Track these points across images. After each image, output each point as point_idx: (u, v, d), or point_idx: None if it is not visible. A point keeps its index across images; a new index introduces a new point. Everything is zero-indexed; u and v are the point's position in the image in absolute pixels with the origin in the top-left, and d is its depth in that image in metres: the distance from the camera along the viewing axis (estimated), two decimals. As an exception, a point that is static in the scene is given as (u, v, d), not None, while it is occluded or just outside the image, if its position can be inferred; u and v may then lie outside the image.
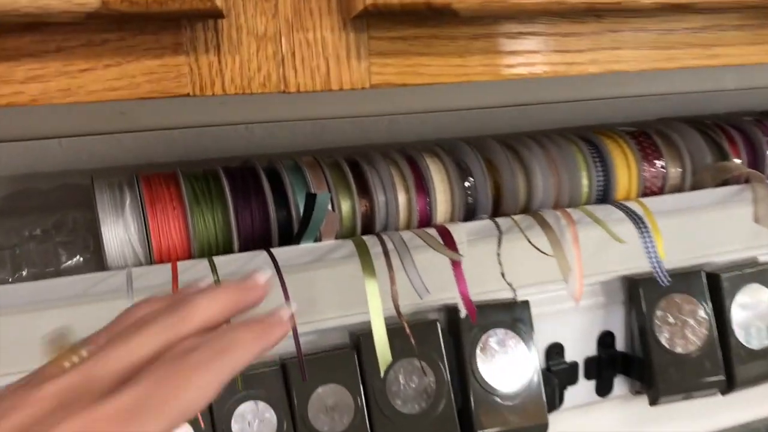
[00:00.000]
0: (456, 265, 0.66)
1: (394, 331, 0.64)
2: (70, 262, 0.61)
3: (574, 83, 0.87)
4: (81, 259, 0.61)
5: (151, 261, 0.63)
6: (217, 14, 0.35)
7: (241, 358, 0.31)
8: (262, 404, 0.73)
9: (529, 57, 0.44)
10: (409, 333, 0.67)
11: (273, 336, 0.32)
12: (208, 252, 0.65)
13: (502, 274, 0.72)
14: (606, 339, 0.94)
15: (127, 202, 0.63)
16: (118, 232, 0.62)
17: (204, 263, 0.63)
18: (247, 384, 0.73)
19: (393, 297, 0.65)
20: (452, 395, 0.79)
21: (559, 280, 0.89)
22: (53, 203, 0.68)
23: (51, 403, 0.28)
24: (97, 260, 0.64)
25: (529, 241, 0.71)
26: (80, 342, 0.32)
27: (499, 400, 0.81)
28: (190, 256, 0.64)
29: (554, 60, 0.45)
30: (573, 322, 0.92)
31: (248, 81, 0.38)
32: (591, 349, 0.94)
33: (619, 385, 0.96)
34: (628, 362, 0.94)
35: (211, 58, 0.37)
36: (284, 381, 0.75)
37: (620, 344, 0.95)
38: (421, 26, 0.41)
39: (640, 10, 0.44)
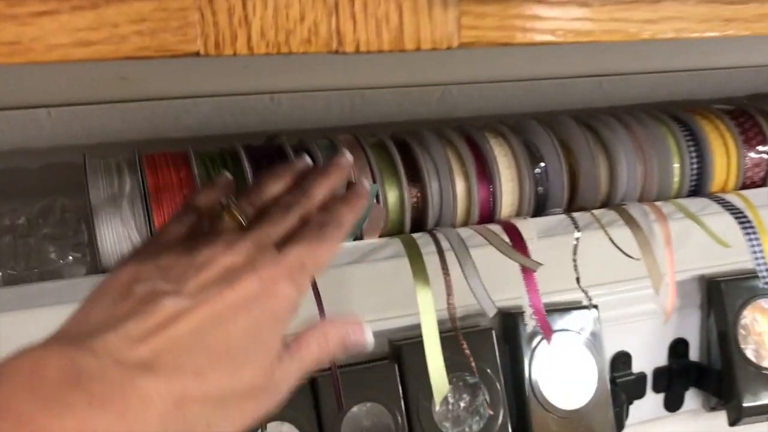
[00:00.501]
0: (528, 273, 0.54)
1: (444, 339, 0.53)
2: (62, 261, 0.49)
3: (656, 51, 0.73)
4: (71, 259, 0.49)
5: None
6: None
7: (347, 227, 0.39)
8: (287, 426, 0.62)
9: (672, 7, 0.31)
10: (468, 352, 0.56)
11: (361, 205, 0.41)
12: (225, 250, 0.53)
13: (577, 280, 0.60)
14: (678, 347, 0.82)
15: (127, 189, 0.51)
16: (116, 226, 0.51)
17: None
18: (269, 401, 0.62)
19: (450, 311, 0.54)
20: (508, 413, 0.68)
21: (629, 280, 0.78)
22: (39, 186, 0.56)
23: (250, 250, 0.34)
24: (91, 256, 0.53)
25: (614, 243, 0.59)
26: (236, 207, 0.37)
27: (561, 419, 0.70)
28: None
29: (705, 13, 0.32)
30: (642, 328, 0.80)
31: (286, 35, 0.26)
32: (661, 359, 0.82)
33: (691, 399, 0.84)
34: (703, 374, 0.82)
35: (231, 0, 0.25)
36: (314, 399, 0.63)
37: (694, 353, 0.83)
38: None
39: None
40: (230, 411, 0.31)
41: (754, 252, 0.61)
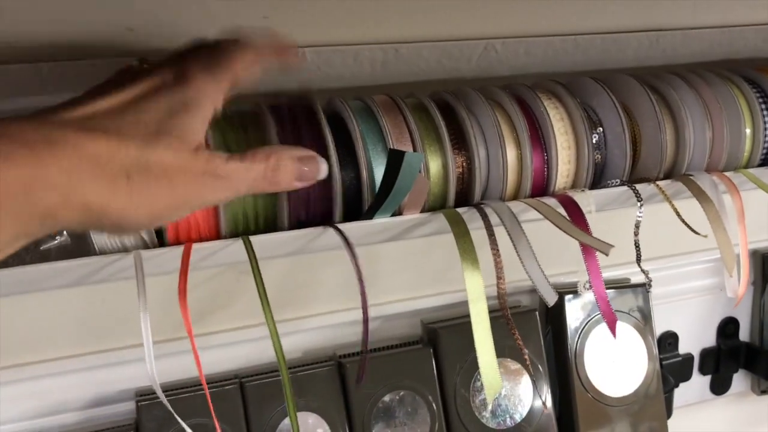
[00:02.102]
0: (590, 254, 0.47)
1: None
2: (49, 243, 0.42)
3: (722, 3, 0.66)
4: (67, 238, 0.43)
5: (163, 241, 0.45)
6: None
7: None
8: (313, 417, 0.56)
9: None
10: (518, 336, 0.49)
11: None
12: (244, 229, 0.46)
13: (638, 260, 0.54)
14: (728, 327, 0.76)
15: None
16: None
17: (237, 245, 0.45)
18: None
19: (500, 297, 0.47)
20: (551, 401, 0.62)
21: (679, 255, 0.72)
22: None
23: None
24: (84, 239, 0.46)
25: (683, 220, 0.52)
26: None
27: (609, 406, 0.64)
28: (217, 234, 0.46)
29: None
30: (691, 306, 0.74)
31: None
32: (710, 339, 0.76)
33: (740, 381, 0.79)
34: (754, 355, 0.76)
35: None
36: (342, 386, 0.57)
37: (745, 334, 0.77)
38: None
39: None
40: (149, 178, 0.33)
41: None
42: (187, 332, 0.41)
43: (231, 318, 0.58)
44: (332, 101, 0.51)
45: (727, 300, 0.76)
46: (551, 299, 0.46)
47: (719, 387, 0.78)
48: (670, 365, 0.73)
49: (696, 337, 0.75)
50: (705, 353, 0.76)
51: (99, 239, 0.42)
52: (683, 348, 0.75)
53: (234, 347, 0.59)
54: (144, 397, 0.55)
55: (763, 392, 0.78)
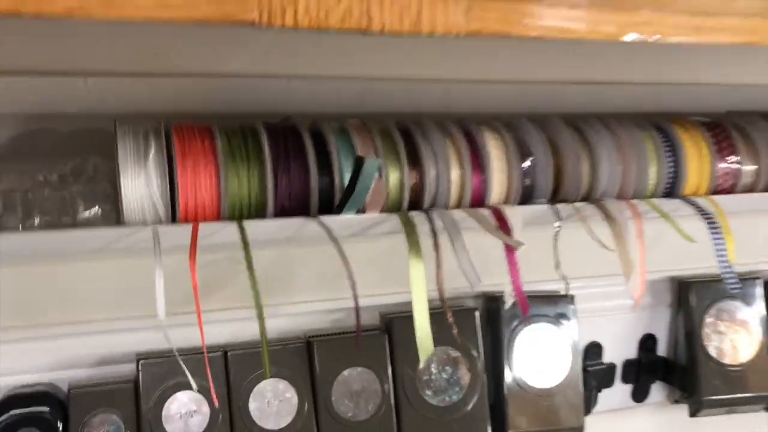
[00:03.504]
0: (511, 252, 0.60)
1: (431, 315, 0.58)
2: (87, 213, 0.55)
3: (645, 64, 0.79)
4: (99, 210, 0.55)
5: (174, 219, 0.57)
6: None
7: None
8: (283, 383, 0.68)
9: (652, 16, 0.37)
10: (452, 322, 0.61)
11: None
12: (239, 215, 0.59)
13: (556, 266, 0.66)
14: (648, 342, 0.88)
15: (152, 152, 0.56)
16: (139, 185, 0.56)
17: (232, 227, 0.57)
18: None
19: (438, 283, 0.59)
20: (486, 388, 0.73)
21: (606, 276, 0.83)
22: (73, 147, 0.62)
23: None
24: (116, 213, 0.58)
25: (592, 235, 0.64)
26: None
27: (534, 397, 0.75)
28: (218, 218, 0.58)
29: (680, 22, 0.38)
30: (615, 321, 0.86)
31: (326, 13, 0.31)
32: (631, 352, 0.88)
33: (657, 391, 0.90)
34: (670, 369, 0.88)
35: (284, -17, 0.31)
36: (309, 360, 0.69)
37: (662, 349, 0.89)
38: (537, -34, 0.34)
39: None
40: None
41: (719, 253, 0.67)
42: (193, 287, 0.52)
43: (221, 300, 0.70)
44: (317, 122, 0.63)
45: (648, 318, 0.88)
46: (476, 284, 0.58)
47: (639, 395, 0.89)
48: (595, 371, 0.85)
49: (619, 349, 0.87)
50: (627, 364, 0.88)
51: (128, 212, 0.54)
52: (607, 358, 0.87)
53: (221, 324, 0.70)
54: (144, 357, 0.66)
55: (676, 402, 0.90)
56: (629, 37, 0.38)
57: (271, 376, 0.67)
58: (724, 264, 0.66)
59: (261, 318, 0.53)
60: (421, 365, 0.60)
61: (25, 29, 0.58)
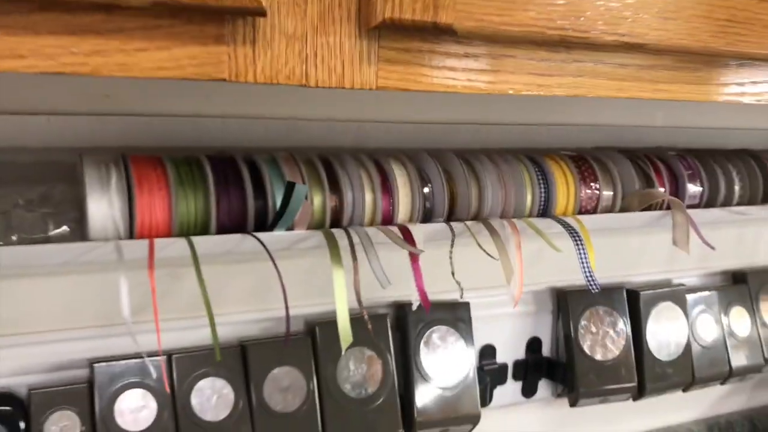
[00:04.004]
0: (414, 259, 0.73)
1: (350, 321, 0.70)
2: (57, 230, 0.64)
3: (525, 108, 0.96)
4: (67, 229, 0.65)
5: (131, 236, 0.67)
6: (261, 12, 0.41)
7: None
8: (220, 381, 0.78)
9: (508, 77, 0.52)
10: (367, 319, 0.73)
11: None
12: (187, 232, 0.69)
13: (452, 273, 0.79)
14: (534, 344, 1.03)
15: (113, 179, 0.67)
16: (103, 207, 0.66)
17: (182, 242, 0.67)
18: (206, 362, 0.78)
19: (355, 286, 0.71)
20: (396, 383, 0.86)
21: (497, 287, 0.98)
22: (36, 177, 0.71)
23: None
24: (80, 232, 0.68)
25: (479, 245, 0.78)
26: None
27: (437, 390, 0.88)
28: (170, 234, 0.68)
29: (528, 81, 0.53)
30: (505, 326, 1.01)
31: (276, 73, 0.44)
32: (520, 353, 1.03)
33: (543, 387, 1.05)
34: (553, 367, 1.03)
35: (247, 50, 0.43)
36: (243, 361, 0.79)
37: (546, 350, 1.04)
38: (424, 41, 0.48)
39: (602, 45, 0.52)
40: None
41: (582, 262, 0.83)
42: (152, 290, 0.62)
43: (165, 311, 0.79)
44: (251, 155, 0.75)
45: (534, 323, 1.03)
46: (385, 283, 0.71)
47: (528, 391, 1.04)
48: (490, 370, 0.99)
49: (509, 351, 1.01)
50: (517, 363, 1.02)
51: (93, 230, 0.64)
52: (500, 358, 1.01)
53: (164, 333, 0.79)
54: (96, 361, 0.75)
55: (559, 395, 1.04)
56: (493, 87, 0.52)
57: (211, 376, 0.77)
58: (586, 269, 0.81)
59: (207, 305, 0.64)
60: (343, 352, 0.71)
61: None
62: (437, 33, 0.47)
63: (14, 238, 0.63)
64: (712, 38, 0.56)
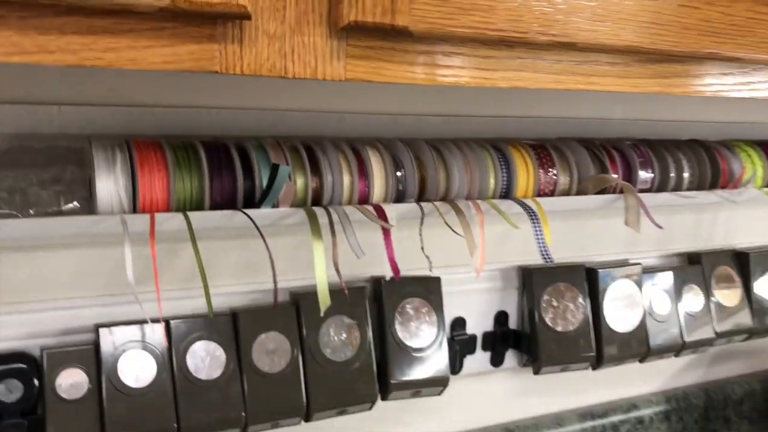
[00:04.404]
0: (386, 233, 0.82)
1: (331, 292, 0.79)
2: (68, 205, 0.73)
3: (492, 101, 1.05)
4: (77, 204, 0.73)
5: (135, 211, 0.76)
6: (247, 17, 0.50)
7: None
8: (213, 344, 0.87)
9: (458, 71, 0.61)
10: (345, 288, 0.83)
11: None
12: (184, 208, 0.78)
13: (422, 248, 0.88)
14: (501, 317, 1.12)
15: (119, 161, 0.76)
16: (109, 185, 0.75)
17: (179, 216, 0.76)
18: (201, 327, 0.87)
19: (334, 258, 0.80)
20: (372, 348, 0.95)
21: (468, 265, 1.07)
22: (50, 160, 0.80)
23: None
24: (89, 208, 0.76)
25: (446, 222, 0.88)
26: None
27: (410, 354, 0.97)
28: (168, 210, 0.77)
29: (475, 75, 0.62)
30: (475, 300, 1.10)
31: (259, 66, 0.53)
32: (488, 325, 1.12)
33: (511, 357, 1.14)
34: (518, 338, 1.12)
35: (235, 48, 0.52)
36: (234, 326, 0.88)
37: (513, 322, 1.13)
38: (385, 40, 0.57)
39: (538, 44, 0.61)
40: None
41: (537, 238, 0.92)
42: (152, 257, 0.71)
43: (163, 282, 0.88)
44: (242, 141, 0.84)
45: (501, 298, 1.12)
46: (360, 254, 0.80)
47: (496, 360, 1.13)
48: (461, 340, 1.08)
49: (479, 323, 1.11)
50: (485, 335, 1.11)
51: (101, 205, 0.73)
52: (470, 330, 1.10)
53: (163, 302, 0.88)
54: (101, 326, 0.83)
55: (524, 365, 1.14)
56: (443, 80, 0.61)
57: (205, 339, 0.86)
58: (541, 244, 0.91)
59: (201, 269, 0.73)
60: (321, 313, 0.79)
61: (18, 69, 0.77)
62: (395, 34, 0.56)
63: (32, 212, 0.72)
64: (636, 38, 0.65)
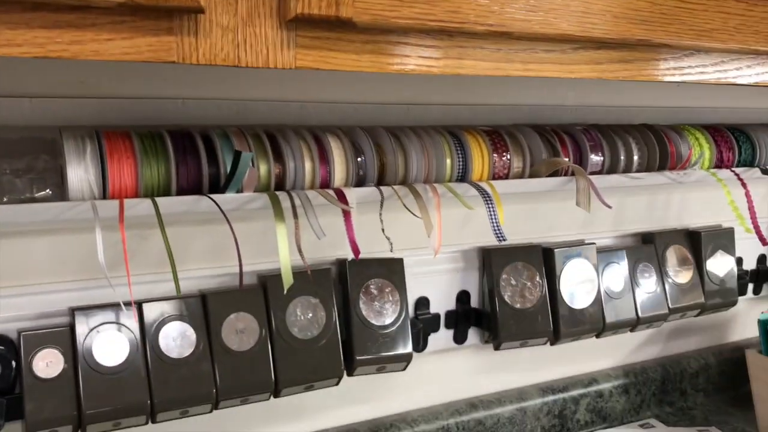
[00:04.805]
0: (347, 215, 0.87)
1: (296, 274, 0.84)
2: (41, 192, 0.77)
3: (450, 90, 1.10)
4: (50, 192, 0.77)
5: (105, 197, 0.80)
6: (200, 10, 0.54)
7: None
8: (184, 325, 0.91)
9: (402, 59, 0.66)
10: (309, 269, 0.87)
11: None
12: (152, 193, 0.82)
13: (383, 230, 0.93)
14: (463, 296, 1.17)
15: (89, 149, 0.79)
16: (80, 173, 0.79)
17: (147, 202, 0.80)
18: (171, 309, 0.91)
19: (296, 239, 0.85)
20: (338, 327, 1.00)
21: (427, 247, 1.12)
22: (23, 150, 0.83)
23: None
24: (61, 195, 0.80)
25: (404, 205, 0.92)
26: None
27: (375, 332, 1.02)
28: (136, 196, 0.81)
29: (419, 63, 0.67)
30: (437, 281, 1.15)
31: (214, 56, 0.57)
32: (451, 304, 1.17)
33: (473, 335, 1.19)
34: (480, 316, 1.18)
35: (191, 39, 0.56)
36: (203, 308, 0.93)
37: (474, 301, 1.18)
38: (331, 31, 0.61)
39: (476, 33, 0.66)
40: None
41: (491, 218, 0.97)
42: (122, 240, 0.75)
43: (134, 267, 0.92)
44: (207, 129, 0.88)
45: (462, 278, 1.17)
46: (320, 235, 0.84)
47: (459, 338, 1.18)
48: (424, 319, 1.13)
49: (441, 302, 1.16)
50: (448, 313, 1.16)
51: (72, 192, 0.76)
52: (433, 309, 1.15)
53: (134, 286, 0.92)
54: (76, 309, 0.87)
55: (486, 342, 1.19)
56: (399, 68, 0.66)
57: (176, 320, 0.90)
58: (494, 223, 0.96)
59: (168, 250, 0.77)
60: (285, 291, 0.84)
61: (-11, 63, 0.80)
62: (340, 24, 0.60)
63: (5, 199, 0.76)
64: (569, 27, 0.70)
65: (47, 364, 0.84)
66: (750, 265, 1.50)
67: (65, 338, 0.86)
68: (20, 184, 0.77)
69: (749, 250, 1.48)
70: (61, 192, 0.81)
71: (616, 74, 0.76)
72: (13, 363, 0.84)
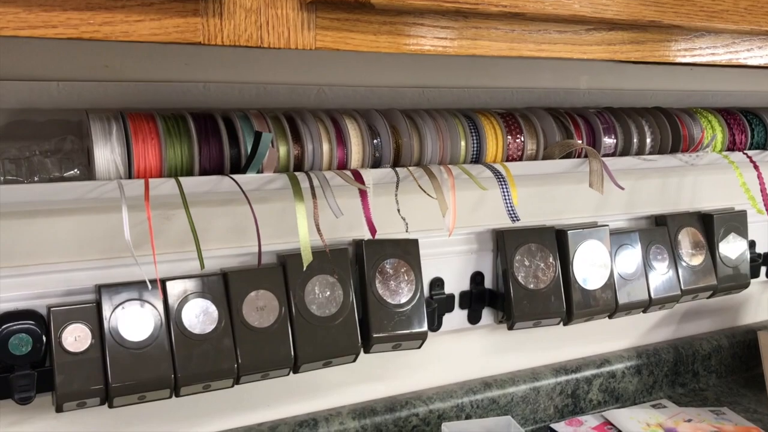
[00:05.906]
0: (363, 195, 0.89)
1: (315, 253, 0.87)
2: (69, 172, 0.80)
3: (465, 73, 1.12)
4: (77, 171, 0.80)
5: (130, 177, 0.83)
6: (225, -7, 0.57)
7: None
8: (206, 302, 0.94)
9: (419, 40, 0.68)
10: (327, 248, 0.90)
11: None
12: (175, 174, 0.85)
13: (398, 210, 0.95)
14: (477, 277, 1.19)
15: (114, 130, 0.82)
16: (106, 153, 0.81)
17: (171, 181, 0.83)
18: (194, 286, 0.94)
19: (315, 218, 0.87)
20: (355, 305, 1.02)
21: (441, 228, 1.15)
22: (51, 132, 0.86)
23: None
24: (88, 174, 0.83)
25: (419, 185, 0.95)
26: None
27: (391, 310, 1.05)
28: (161, 176, 0.84)
29: (435, 43, 0.69)
30: (452, 262, 1.17)
31: (238, 37, 0.60)
32: (465, 285, 1.19)
33: (487, 315, 1.22)
34: (494, 296, 1.20)
35: (216, 21, 0.59)
36: (224, 285, 0.95)
37: (488, 282, 1.20)
38: (350, 12, 0.63)
39: (490, 14, 0.68)
40: None
41: (505, 198, 0.99)
42: (147, 218, 0.78)
43: (157, 247, 0.95)
44: (228, 112, 0.91)
45: (477, 259, 1.19)
46: (338, 214, 0.87)
47: (473, 318, 1.20)
48: (439, 299, 1.15)
49: (456, 283, 1.18)
50: (462, 294, 1.19)
51: (99, 172, 0.79)
52: (448, 289, 1.17)
53: (158, 264, 0.95)
54: (102, 286, 0.90)
55: (500, 322, 1.21)
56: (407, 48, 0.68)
57: (199, 297, 0.93)
58: (508, 204, 0.98)
59: (192, 227, 0.80)
60: (304, 268, 0.87)
61: (19, 47, 0.83)
62: (359, 6, 0.62)
63: (36, 179, 0.79)
64: (581, 8, 0.72)
65: (75, 338, 0.88)
66: (763, 247, 1.51)
67: (92, 314, 0.89)
68: (49, 164, 0.80)
69: (762, 233, 1.49)
70: (88, 172, 0.83)
71: (628, 55, 0.78)
72: (44, 338, 0.87)
